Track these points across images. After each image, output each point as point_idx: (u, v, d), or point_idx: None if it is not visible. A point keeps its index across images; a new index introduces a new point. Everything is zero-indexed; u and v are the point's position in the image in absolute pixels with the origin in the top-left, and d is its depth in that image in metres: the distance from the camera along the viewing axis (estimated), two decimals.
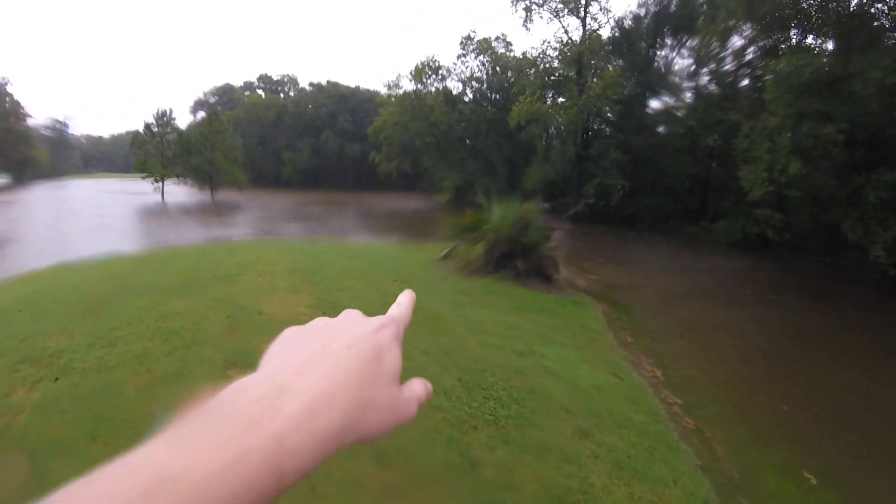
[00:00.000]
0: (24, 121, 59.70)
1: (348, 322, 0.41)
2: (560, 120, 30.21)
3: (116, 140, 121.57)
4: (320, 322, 0.41)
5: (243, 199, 42.14)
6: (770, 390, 7.33)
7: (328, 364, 0.35)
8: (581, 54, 30.24)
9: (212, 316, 5.54)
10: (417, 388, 0.41)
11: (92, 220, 26.14)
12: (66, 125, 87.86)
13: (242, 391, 0.32)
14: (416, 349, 5.55)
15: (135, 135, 42.32)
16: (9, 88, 56.03)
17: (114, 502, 0.23)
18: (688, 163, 26.96)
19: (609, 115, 30.00)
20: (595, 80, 28.50)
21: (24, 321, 5.62)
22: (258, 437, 0.28)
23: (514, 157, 36.24)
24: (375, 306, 2.67)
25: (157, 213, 31.82)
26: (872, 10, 17.15)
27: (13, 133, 54.32)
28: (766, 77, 19.13)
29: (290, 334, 0.39)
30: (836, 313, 12.69)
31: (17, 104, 57.45)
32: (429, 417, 4.20)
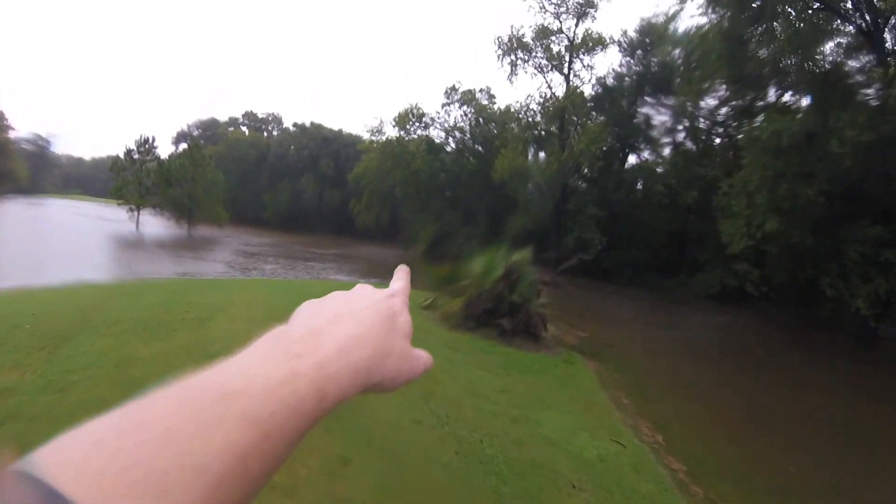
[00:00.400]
0: (6, 132, 58.05)
1: (363, 291, 0.47)
2: (542, 174, 30.98)
3: (97, 163, 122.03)
4: (337, 293, 0.46)
5: (221, 234, 41.68)
6: (772, 450, 7.17)
7: (354, 318, 0.41)
8: (564, 109, 31.29)
9: (177, 365, 4.89)
10: (424, 354, 0.45)
11: (62, 243, 25.33)
12: (48, 142, 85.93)
13: (285, 331, 0.38)
14: (408, 418, 5.16)
15: (114, 160, 41.95)
16: None
17: (180, 413, 0.26)
18: (666, 218, 27.65)
19: (586, 171, 30.95)
20: (578, 135, 29.51)
21: None
22: (305, 363, 0.33)
23: (495, 208, 36.73)
24: None
25: (130, 243, 31.29)
26: (846, 68, 17.89)
27: None
28: (740, 136, 19.93)
29: (310, 303, 0.44)
30: (825, 364, 12.90)
31: (0, 114, 56.06)
32: (427, 497, 3.83)
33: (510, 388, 7.62)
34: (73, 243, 26.02)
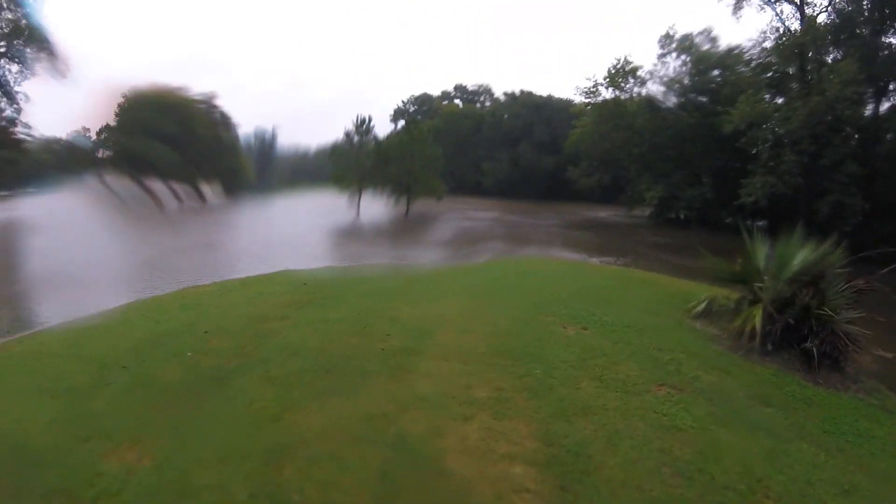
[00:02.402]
0: (234, 131, 57.64)
1: None
2: (788, 123, 27.44)
3: (320, 152, 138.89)
4: None
5: (439, 209, 43.36)
6: None
7: None
8: (803, 46, 28.22)
9: (352, 460, 4.18)
10: None
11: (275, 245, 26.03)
12: (274, 136, 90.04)
13: None
14: None
15: (334, 146, 44.46)
16: (217, 101, 54.70)
17: None
18: None
19: (842, 120, 27.37)
20: (826, 76, 26.40)
21: (108, 395, 5.39)
22: None
23: (724, 167, 35.23)
24: (648, 462, 4.46)
25: (348, 233, 32.58)
26: None
27: (222, 144, 53.07)
28: None
29: None
30: None
31: (225, 115, 55.67)
32: None
33: (856, 488, 4.55)
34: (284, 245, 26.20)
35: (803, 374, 7.62)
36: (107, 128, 44.79)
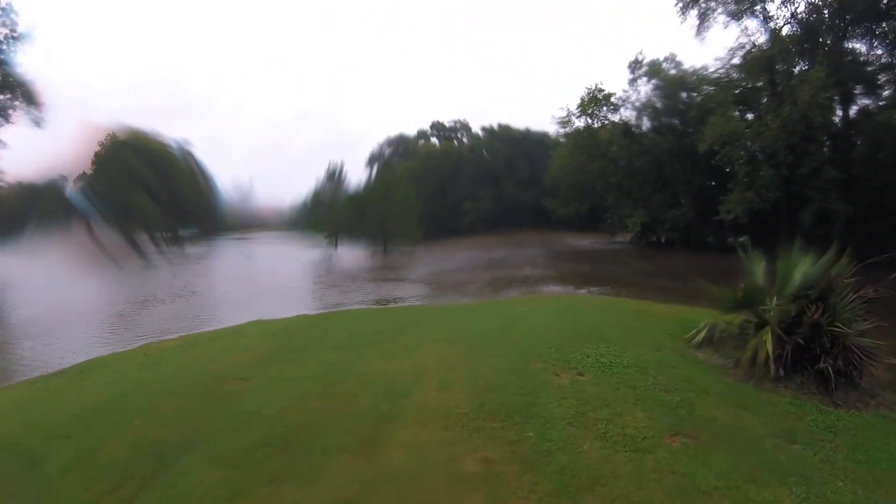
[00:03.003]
0: (210, 180, 55.57)
1: None
2: (762, 138, 27.50)
3: (293, 209, 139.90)
4: None
5: (419, 254, 41.79)
6: None
7: None
8: (772, 59, 28.65)
9: None
10: None
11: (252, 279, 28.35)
12: (251, 186, 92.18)
13: None
14: None
15: (309, 197, 42.80)
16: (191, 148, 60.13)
17: None
18: None
19: (820, 124, 27.42)
20: (797, 85, 26.47)
21: (44, 475, 5.05)
22: None
23: (702, 186, 35.52)
24: None
25: (322, 281, 30.89)
26: None
27: (200, 192, 51.07)
28: None
29: None
30: None
31: (200, 163, 53.53)
32: None
33: None
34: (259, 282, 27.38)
35: (820, 398, 7.16)
36: (83, 176, 41.87)
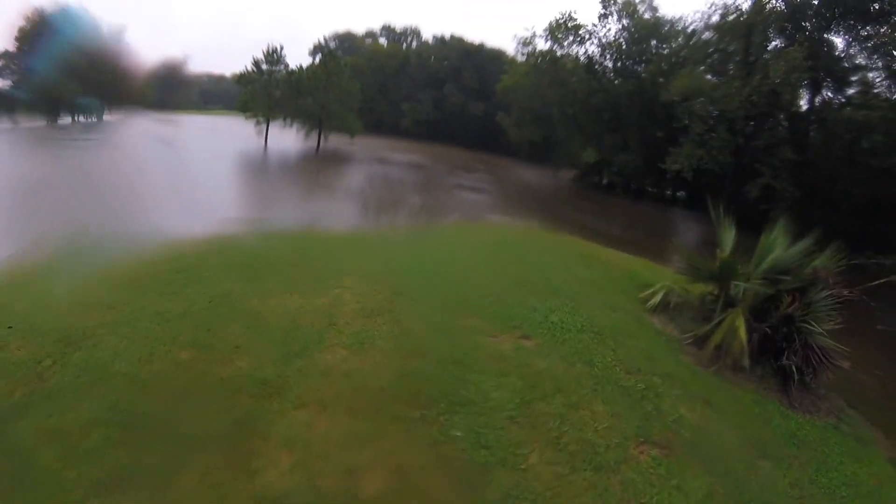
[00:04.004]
0: (136, 65, 56.83)
1: None
2: (727, 101, 26.56)
3: (234, 79, 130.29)
4: None
5: (353, 148, 40.79)
6: None
7: None
8: (752, 26, 27.58)
9: None
10: None
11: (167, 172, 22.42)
12: (183, 62, 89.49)
13: None
14: None
15: (242, 73, 40.36)
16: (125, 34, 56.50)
17: None
18: (866, 177, 23.20)
19: (785, 103, 26.73)
20: (774, 59, 25.83)
21: None
22: None
23: (654, 136, 34.89)
24: None
25: (252, 166, 29.43)
26: None
27: (118, 71, 51.83)
28: None
29: None
30: None
31: (127, 46, 55.08)
32: None
33: None
34: (180, 172, 22.67)
35: (779, 396, 6.69)
36: (6, 54, 42.50)
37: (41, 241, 9.15)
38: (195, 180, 20.89)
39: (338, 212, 17.14)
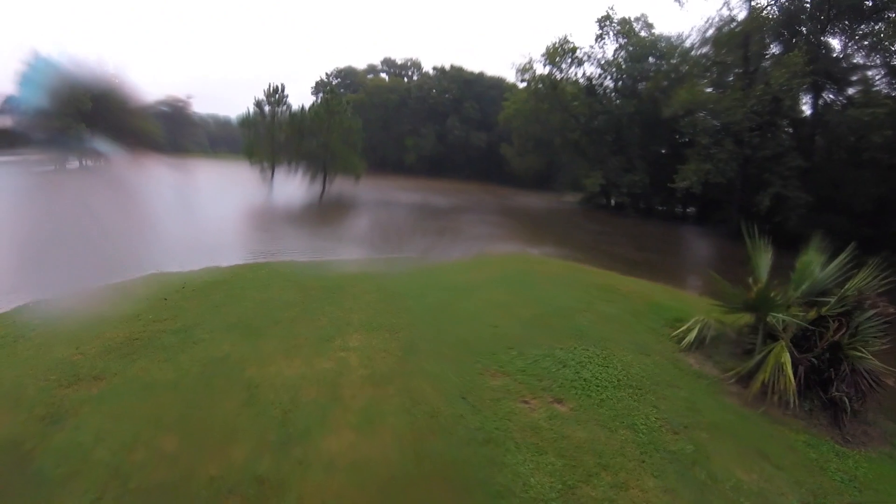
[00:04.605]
0: (139, 101, 54.63)
1: None
2: (730, 113, 26.36)
3: (239, 122, 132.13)
4: None
5: (359, 190, 39.23)
6: None
7: None
8: (749, 35, 27.62)
9: None
10: None
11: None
12: (187, 103, 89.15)
13: None
14: None
15: (244, 116, 39.48)
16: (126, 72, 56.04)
17: None
18: (874, 179, 22.42)
19: (788, 109, 26.26)
20: (775, 67, 25.53)
21: None
22: None
23: (658, 154, 34.78)
24: None
25: (256, 217, 27.14)
26: None
27: (127, 111, 50.40)
28: None
29: None
30: None
31: (132, 87, 53.41)
32: None
33: None
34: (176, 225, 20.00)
35: (830, 430, 6.08)
36: (9, 99, 40.77)
37: (49, 296, 8.63)
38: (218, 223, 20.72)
39: (348, 251, 16.78)
